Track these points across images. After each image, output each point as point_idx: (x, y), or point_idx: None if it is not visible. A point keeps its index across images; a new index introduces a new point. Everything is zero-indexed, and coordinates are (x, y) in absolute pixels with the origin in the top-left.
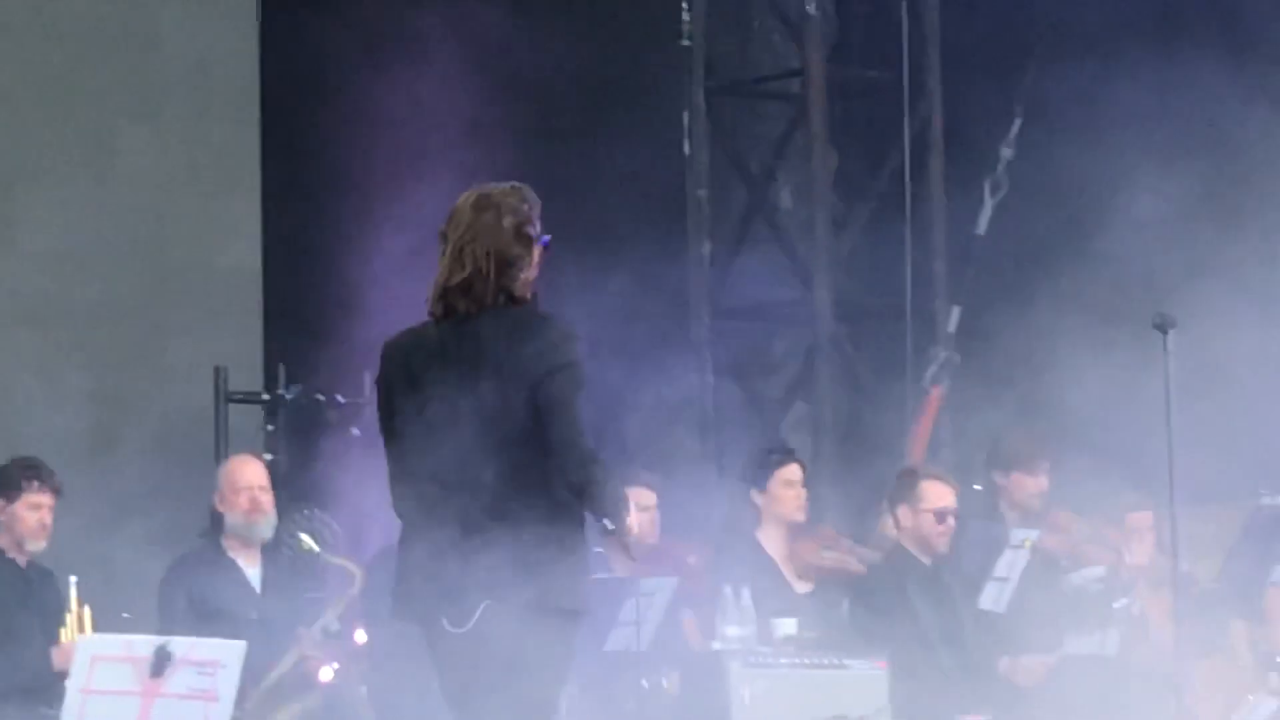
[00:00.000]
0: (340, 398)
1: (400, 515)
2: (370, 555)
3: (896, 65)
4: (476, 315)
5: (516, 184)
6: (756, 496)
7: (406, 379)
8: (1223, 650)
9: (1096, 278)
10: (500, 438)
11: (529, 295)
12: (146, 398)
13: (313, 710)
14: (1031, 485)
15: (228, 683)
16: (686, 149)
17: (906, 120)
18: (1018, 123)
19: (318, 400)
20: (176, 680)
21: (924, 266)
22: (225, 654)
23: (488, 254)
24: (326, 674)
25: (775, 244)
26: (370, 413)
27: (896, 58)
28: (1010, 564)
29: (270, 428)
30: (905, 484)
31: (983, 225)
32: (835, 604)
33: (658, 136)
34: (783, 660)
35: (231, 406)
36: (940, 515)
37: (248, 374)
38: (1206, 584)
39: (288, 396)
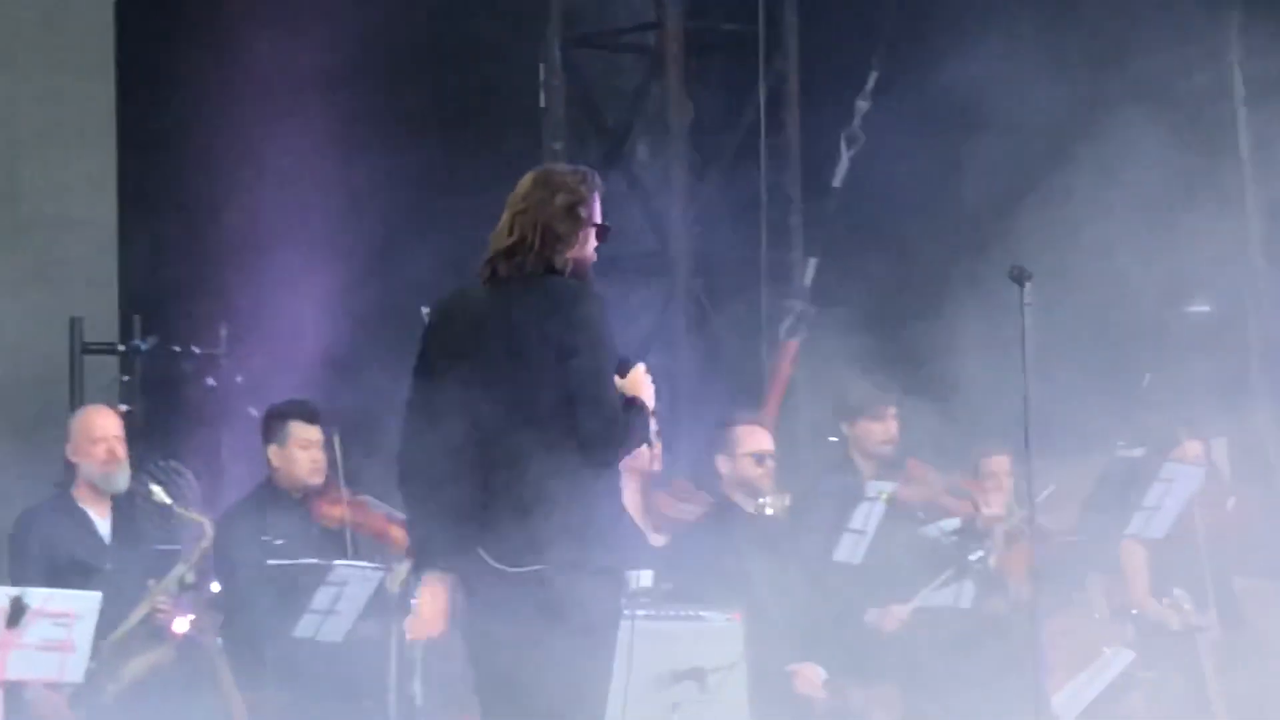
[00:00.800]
0: (196, 349)
1: (414, 465)
2: (223, 508)
3: (753, 19)
4: (516, 281)
5: (582, 168)
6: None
7: (448, 336)
8: (1078, 603)
9: (953, 230)
10: (528, 400)
11: (568, 269)
12: (1, 348)
13: (165, 662)
14: (880, 432)
15: (84, 634)
16: (542, 101)
17: (762, 74)
18: (874, 76)
19: (173, 352)
20: (33, 631)
21: (780, 220)
22: (81, 605)
23: (534, 225)
24: (181, 625)
25: (631, 197)
26: (227, 364)
27: (753, 11)
28: (867, 516)
29: (126, 379)
30: (719, 434)
31: (839, 178)
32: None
33: (513, 89)
34: (638, 613)
35: (87, 358)
36: (759, 458)
37: (104, 325)
38: (1062, 536)
39: (143, 348)
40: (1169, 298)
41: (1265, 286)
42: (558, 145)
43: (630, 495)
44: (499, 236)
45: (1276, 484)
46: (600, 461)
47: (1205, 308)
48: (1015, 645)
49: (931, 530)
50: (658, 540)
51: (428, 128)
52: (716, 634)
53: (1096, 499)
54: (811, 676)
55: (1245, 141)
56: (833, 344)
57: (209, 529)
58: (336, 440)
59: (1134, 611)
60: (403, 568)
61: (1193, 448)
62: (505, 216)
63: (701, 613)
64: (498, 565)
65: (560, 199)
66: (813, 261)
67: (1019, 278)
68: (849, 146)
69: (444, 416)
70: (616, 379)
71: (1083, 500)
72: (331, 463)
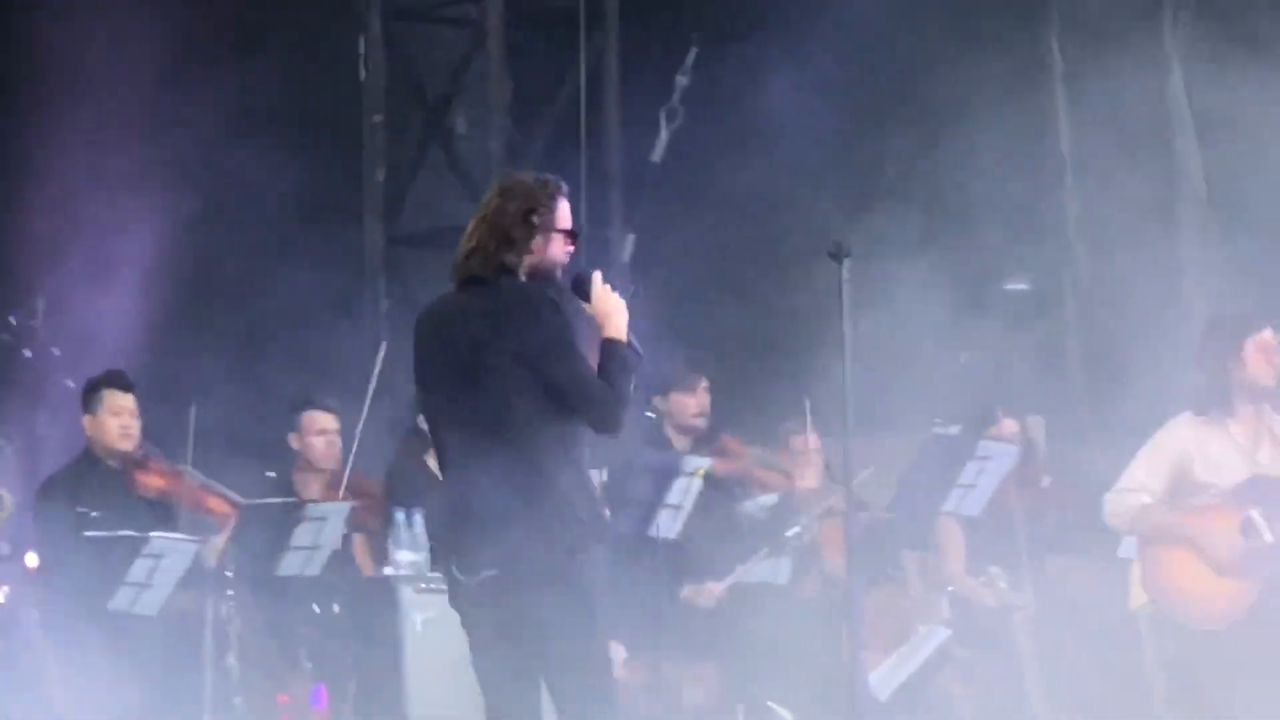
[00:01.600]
0: (12, 319)
1: (410, 482)
2: (40, 480)
3: None
4: (475, 284)
5: (546, 176)
6: (423, 422)
7: (426, 342)
8: (894, 580)
9: (774, 205)
10: (488, 408)
11: (521, 272)
12: None
13: None
14: (692, 404)
15: None
16: (362, 74)
17: (583, 49)
18: (694, 52)
19: None
20: None
21: (599, 194)
22: None
23: (491, 230)
24: None
25: (450, 170)
26: (43, 335)
27: None
28: (684, 491)
29: None
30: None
31: (658, 153)
32: None
33: (334, 60)
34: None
35: None
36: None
37: None
38: (878, 513)
39: None
40: (987, 275)
41: (1083, 265)
42: (377, 117)
43: None
44: (464, 240)
45: (1092, 462)
46: (611, 431)
47: (1023, 286)
48: (831, 622)
49: (748, 506)
50: None
51: (247, 102)
52: None
53: (913, 476)
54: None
55: (1064, 120)
56: (651, 319)
57: (8, 501)
58: (193, 414)
59: (950, 589)
60: (220, 538)
61: (1009, 425)
62: (470, 223)
63: None
64: (460, 577)
65: (514, 205)
66: (631, 237)
67: (838, 254)
68: (669, 122)
69: (430, 429)
70: (586, 307)
71: (899, 477)
72: (184, 437)
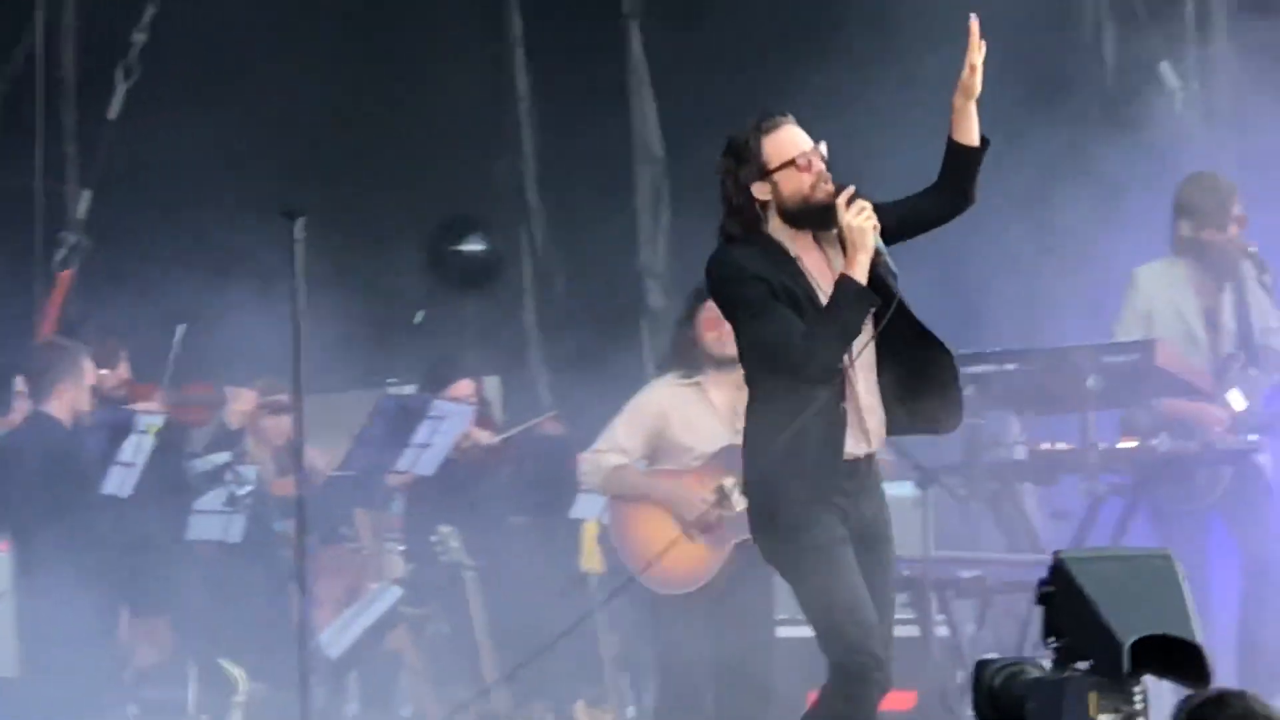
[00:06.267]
0: None
1: None
2: None
3: None
4: None
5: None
6: None
7: None
8: (346, 538)
9: (227, 166)
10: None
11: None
12: None
13: None
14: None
15: None
16: None
17: (40, 5)
18: (150, 10)
19: None
20: None
21: (55, 150)
22: None
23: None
24: None
25: None
26: None
27: None
28: (135, 449)
29: None
30: None
31: (114, 110)
32: None
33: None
34: None
35: None
36: None
37: None
38: (330, 472)
39: None
40: (443, 235)
41: (539, 226)
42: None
43: None
44: None
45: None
46: (813, 378)
47: (480, 246)
48: (283, 579)
49: (200, 464)
50: None
51: None
52: None
53: (367, 434)
54: None
55: (522, 81)
56: (103, 276)
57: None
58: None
59: (401, 548)
60: None
61: (464, 386)
62: None
63: None
64: None
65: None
66: (87, 193)
67: (291, 213)
68: (125, 78)
69: None
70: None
71: (353, 435)
72: None
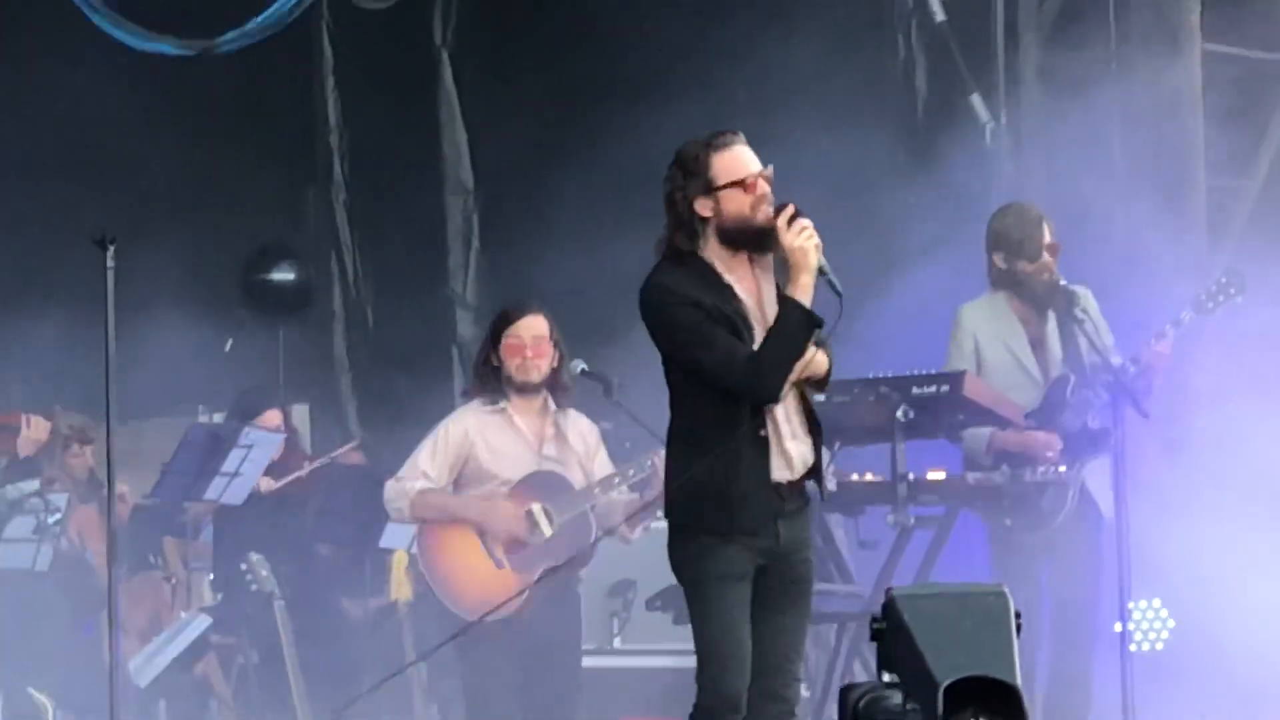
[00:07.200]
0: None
1: None
2: None
3: None
4: None
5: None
6: None
7: None
8: (155, 566)
9: (41, 191)
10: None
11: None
12: None
13: None
14: None
15: None
16: None
17: None
18: None
19: None
20: None
21: None
22: None
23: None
24: None
25: None
26: None
27: None
28: None
29: None
30: None
31: None
32: None
33: None
34: None
35: None
36: None
37: None
38: (140, 500)
39: None
40: (254, 264)
41: (350, 255)
42: None
43: None
44: None
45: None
46: (760, 400)
47: (290, 275)
48: (91, 607)
49: (10, 491)
50: None
51: None
52: None
53: (176, 463)
54: None
55: (334, 110)
56: None
57: None
58: None
59: (210, 576)
60: None
61: (272, 416)
62: None
63: None
64: None
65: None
66: None
67: (103, 241)
68: None
69: None
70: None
71: (162, 464)
72: None
